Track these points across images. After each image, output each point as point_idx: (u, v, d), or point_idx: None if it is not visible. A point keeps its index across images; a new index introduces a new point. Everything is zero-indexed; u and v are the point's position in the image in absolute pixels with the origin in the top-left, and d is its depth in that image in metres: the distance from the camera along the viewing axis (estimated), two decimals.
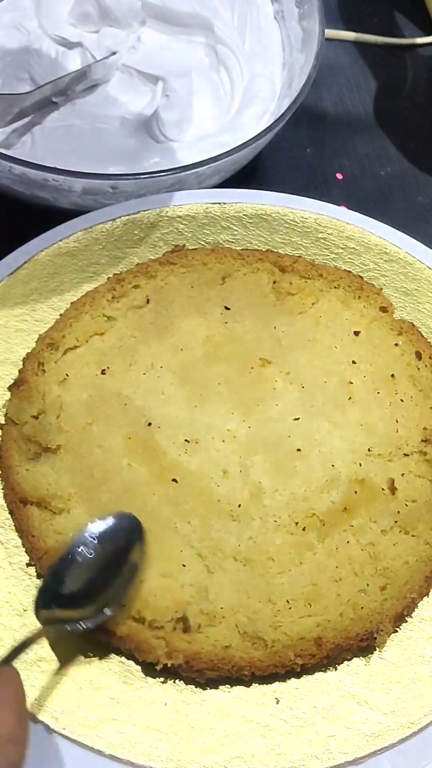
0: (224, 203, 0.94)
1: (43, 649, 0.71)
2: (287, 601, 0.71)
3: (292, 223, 0.94)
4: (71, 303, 0.86)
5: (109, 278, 0.88)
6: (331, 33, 1.22)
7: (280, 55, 1.10)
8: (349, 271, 0.90)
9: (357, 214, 0.95)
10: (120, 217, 0.92)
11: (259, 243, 0.93)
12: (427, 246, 0.93)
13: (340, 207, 0.96)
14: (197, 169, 0.91)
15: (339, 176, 1.15)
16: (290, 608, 0.71)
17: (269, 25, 1.12)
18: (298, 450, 0.77)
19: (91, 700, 0.69)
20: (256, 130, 0.98)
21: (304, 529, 0.74)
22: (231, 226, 0.94)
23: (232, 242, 0.93)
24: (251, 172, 1.09)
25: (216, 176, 0.98)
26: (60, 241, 0.91)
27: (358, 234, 0.93)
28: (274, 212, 0.94)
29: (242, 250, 0.91)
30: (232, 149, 0.93)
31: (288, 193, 0.96)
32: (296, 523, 0.74)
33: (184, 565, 0.72)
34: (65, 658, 0.71)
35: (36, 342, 0.84)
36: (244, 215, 0.94)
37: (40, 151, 0.97)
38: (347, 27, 1.29)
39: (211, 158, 0.92)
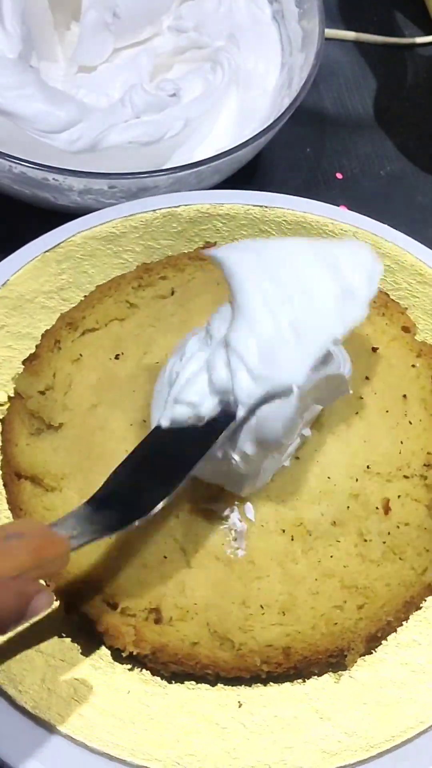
0: (266, 207, 0.94)
1: None
2: (261, 606, 0.70)
3: (331, 234, 0.93)
4: (96, 286, 0.87)
5: (137, 266, 0.89)
6: (330, 32, 1.22)
7: (279, 55, 1.10)
8: None
9: (398, 232, 0.94)
10: (161, 209, 0.92)
11: None
12: (426, 246, 0.93)
13: (385, 225, 0.95)
14: (197, 169, 0.92)
15: (338, 176, 1.15)
16: (263, 614, 0.70)
17: (267, 24, 1.12)
18: (297, 458, 0.76)
19: (57, 677, 0.69)
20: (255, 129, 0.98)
21: (291, 539, 0.73)
22: (269, 230, 0.94)
23: None
24: (251, 171, 1.09)
25: (216, 176, 0.98)
26: (99, 225, 0.91)
27: (395, 252, 0.92)
28: (315, 221, 0.94)
29: None
30: (232, 148, 0.94)
31: (290, 194, 0.96)
32: (283, 530, 0.73)
33: (165, 557, 0.72)
34: (39, 633, 0.71)
35: (57, 320, 0.85)
36: (284, 221, 0.94)
37: None
38: (347, 26, 1.29)
39: (210, 158, 0.93)
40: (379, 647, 0.73)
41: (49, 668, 0.70)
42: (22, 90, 0.91)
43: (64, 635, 0.71)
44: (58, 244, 0.90)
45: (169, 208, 0.93)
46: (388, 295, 0.88)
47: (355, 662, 0.70)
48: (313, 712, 0.69)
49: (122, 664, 0.70)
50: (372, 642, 0.71)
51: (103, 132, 0.93)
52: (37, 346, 0.83)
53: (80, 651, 0.71)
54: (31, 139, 0.93)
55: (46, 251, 0.90)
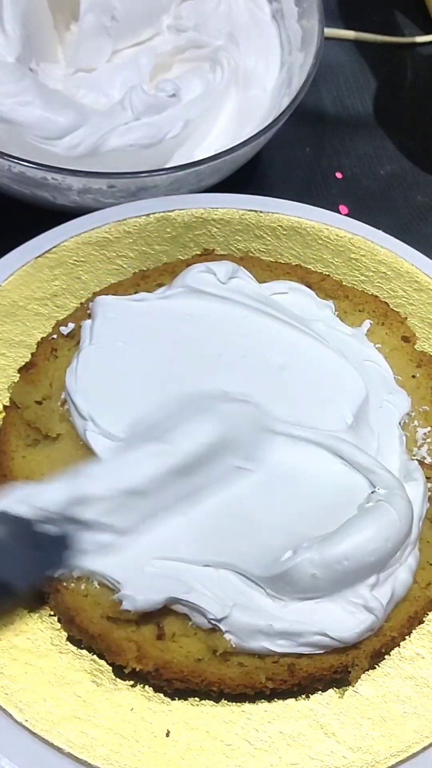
0: (261, 211, 0.93)
1: (17, 637, 0.70)
2: None
3: (326, 240, 0.93)
4: (93, 293, 0.86)
5: (134, 273, 0.88)
6: (330, 32, 1.23)
7: (278, 54, 1.10)
8: (376, 296, 0.88)
9: (393, 238, 0.94)
10: (154, 213, 0.91)
11: (290, 256, 0.92)
12: (425, 246, 0.92)
13: (379, 231, 0.94)
14: (196, 168, 0.91)
15: (338, 175, 1.15)
16: None
17: (267, 24, 1.12)
18: None
19: (58, 695, 0.68)
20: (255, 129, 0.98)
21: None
22: (264, 235, 0.93)
23: (263, 252, 0.92)
24: (250, 171, 1.08)
25: (215, 175, 0.97)
26: (91, 230, 0.90)
27: (391, 259, 0.91)
28: (310, 227, 0.93)
29: (271, 261, 0.90)
30: (231, 148, 0.93)
31: (290, 193, 0.96)
32: None
33: None
34: (38, 649, 0.70)
35: (52, 327, 0.83)
36: (279, 226, 0.93)
37: None
38: (347, 26, 1.29)
39: (209, 157, 0.92)
40: (383, 662, 0.72)
41: (50, 686, 0.68)
42: (21, 97, 0.90)
43: (65, 652, 0.70)
44: (50, 250, 0.89)
45: (163, 212, 0.92)
46: (387, 304, 0.87)
47: (359, 678, 0.70)
48: (317, 728, 0.69)
49: (125, 681, 0.69)
50: (376, 658, 0.71)
51: (104, 136, 0.93)
52: (32, 354, 0.81)
53: (82, 668, 0.70)
54: (32, 145, 0.92)
55: (38, 257, 0.88)
